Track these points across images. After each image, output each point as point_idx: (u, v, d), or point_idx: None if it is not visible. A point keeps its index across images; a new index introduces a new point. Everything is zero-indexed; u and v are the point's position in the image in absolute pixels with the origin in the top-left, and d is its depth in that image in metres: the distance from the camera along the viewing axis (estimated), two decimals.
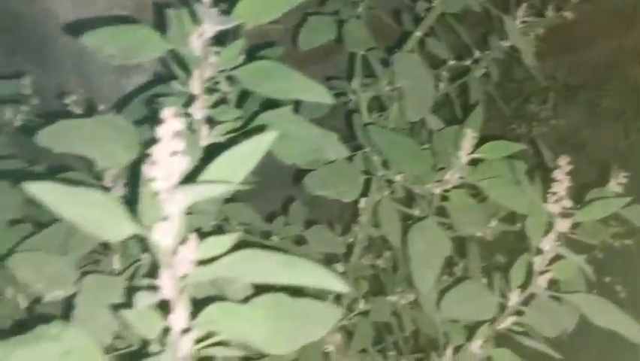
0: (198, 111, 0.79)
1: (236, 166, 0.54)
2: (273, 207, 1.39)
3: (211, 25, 0.75)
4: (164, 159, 0.52)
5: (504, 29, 1.40)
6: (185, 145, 0.53)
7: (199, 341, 0.59)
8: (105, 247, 0.99)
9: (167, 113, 0.51)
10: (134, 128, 0.81)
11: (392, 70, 1.24)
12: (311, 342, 1.13)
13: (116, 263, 0.98)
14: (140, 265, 0.90)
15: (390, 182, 1.20)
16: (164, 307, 0.58)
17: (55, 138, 0.79)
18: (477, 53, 1.42)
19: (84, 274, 0.87)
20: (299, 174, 1.12)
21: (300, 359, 1.11)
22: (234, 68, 0.77)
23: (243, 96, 0.91)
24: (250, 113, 0.85)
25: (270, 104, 0.87)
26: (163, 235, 0.54)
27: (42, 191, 0.48)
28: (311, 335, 0.64)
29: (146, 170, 0.52)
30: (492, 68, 1.40)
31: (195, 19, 0.75)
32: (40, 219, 1.13)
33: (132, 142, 0.79)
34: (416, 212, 1.22)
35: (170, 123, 0.51)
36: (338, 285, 0.52)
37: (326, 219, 1.34)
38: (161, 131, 0.52)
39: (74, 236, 0.94)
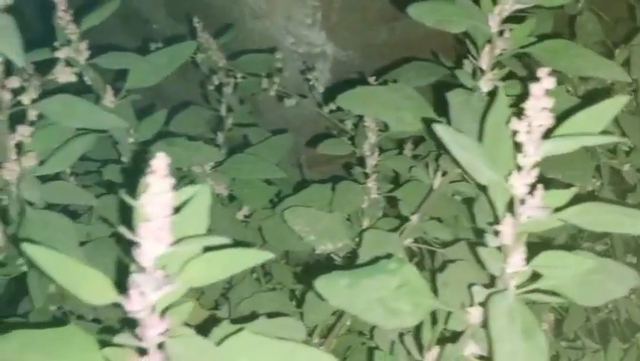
0: (486, 84, 0.85)
1: (589, 124, 0.59)
2: None
3: (510, 4, 0.81)
4: (533, 114, 0.58)
5: None
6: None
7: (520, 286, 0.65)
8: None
9: (542, 72, 0.57)
10: (421, 97, 0.88)
11: (617, 62, 1.27)
12: None
13: (365, 223, 1.06)
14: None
15: (613, 169, 1.22)
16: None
17: (353, 101, 0.86)
18: None
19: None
20: None
21: None
22: (527, 45, 0.83)
23: None
24: None
25: None
26: (517, 184, 0.60)
27: (442, 131, 0.55)
28: (614, 292, 0.69)
29: (512, 123, 0.59)
30: None
31: None
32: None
33: (421, 110, 0.86)
34: (630, 200, 1.25)
35: (545, 82, 0.57)
36: None
37: None
38: (535, 88, 0.57)
39: (339, 196, 1.02)
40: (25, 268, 0.98)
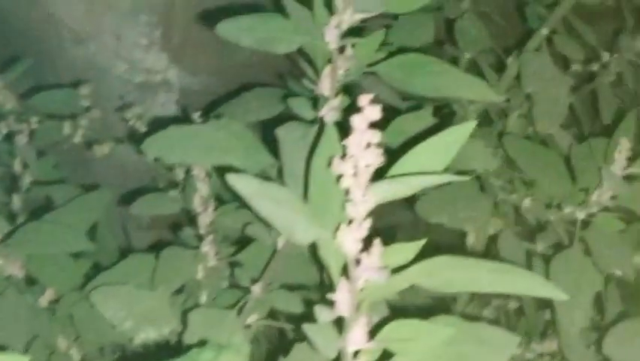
0: (329, 114, 0.86)
1: (434, 158, 0.61)
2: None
3: (350, 14, 0.83)
4: (356, 153, 0.59)
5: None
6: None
7: None
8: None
9: (363, 100, 0.58)
10: (253, 135, 0.88)
11: (509, 75, 1.32)
12: None
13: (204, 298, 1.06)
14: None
15: (515, 208, 1.26)
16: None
17: (165, 148, 0.86)
18: (606, 56, 1.47)
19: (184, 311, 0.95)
20: (409, 199, 1.19)
21: None
22: (375, 63, 0.85)
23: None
24: None
25: None
26: (347, 241, 0.61)
27: (241, 184, 0.56)
28: None
29: (334, 165, 0.59)
30: (626, 73, 1.45)
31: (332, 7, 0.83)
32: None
33: (253, 151, 0.87)
34: (539, 247, 1.28)
35: (367, 113, 0.58)
36: (559, 293, 0.59)
37: None
38: (356, 120, 0.59)
39: (163, 267, 1.01)
40: None
